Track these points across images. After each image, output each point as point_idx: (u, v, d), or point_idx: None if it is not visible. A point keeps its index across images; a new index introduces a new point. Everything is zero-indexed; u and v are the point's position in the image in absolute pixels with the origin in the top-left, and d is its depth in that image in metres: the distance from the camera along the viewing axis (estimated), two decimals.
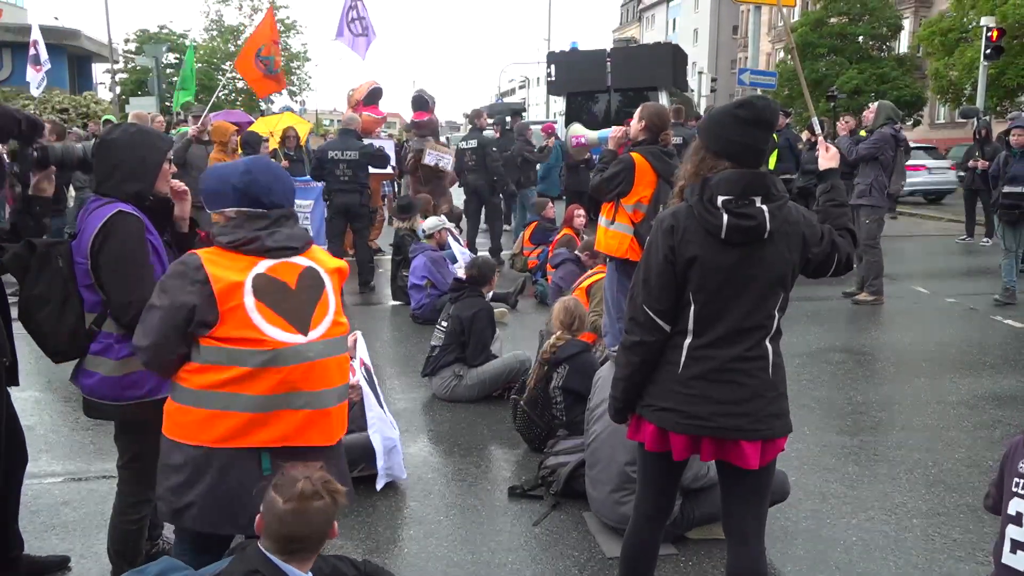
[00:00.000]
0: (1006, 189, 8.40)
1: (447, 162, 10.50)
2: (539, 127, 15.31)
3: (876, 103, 8.97)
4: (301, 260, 2.58)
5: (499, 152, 10.92)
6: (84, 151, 3.25)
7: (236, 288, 2.44)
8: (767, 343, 2.47)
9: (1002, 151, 9.08)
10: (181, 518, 2.49)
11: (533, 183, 12.30)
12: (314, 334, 2.50)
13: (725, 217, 2.40)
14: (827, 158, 2.89)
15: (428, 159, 10.02)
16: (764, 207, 2.41)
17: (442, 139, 12.58)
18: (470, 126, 11.51)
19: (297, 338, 2.47)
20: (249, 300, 2.44)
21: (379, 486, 4.14)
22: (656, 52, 17.25)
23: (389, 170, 10.61)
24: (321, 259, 2.65)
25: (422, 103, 10.65)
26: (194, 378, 2.45)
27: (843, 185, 2.86)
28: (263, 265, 2.50)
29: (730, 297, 2.44)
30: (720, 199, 2.42)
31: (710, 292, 2.45)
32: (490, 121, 14.06)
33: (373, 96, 11.09)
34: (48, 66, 18.13)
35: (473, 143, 10.94)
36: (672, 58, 16.56)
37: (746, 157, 2.48)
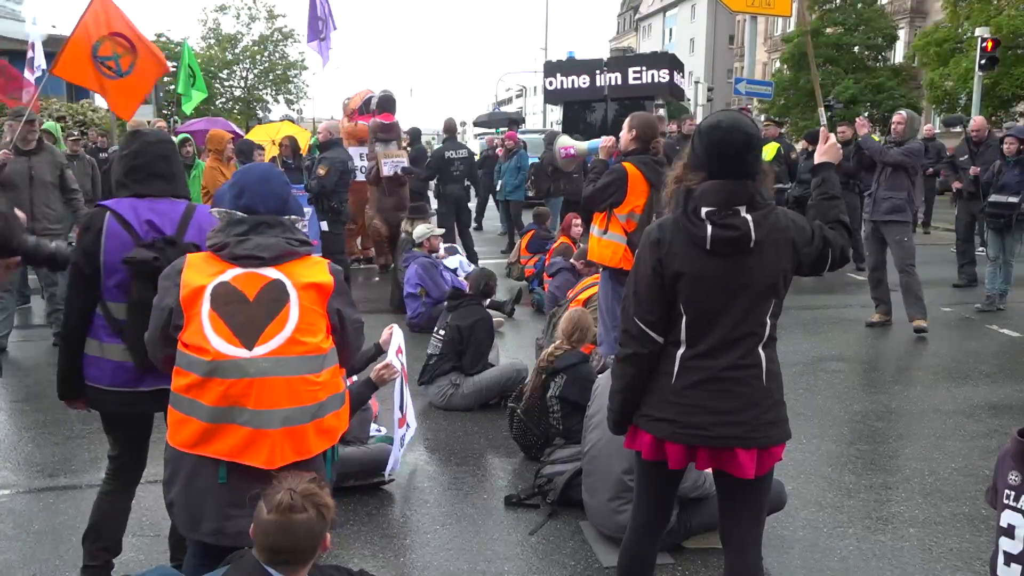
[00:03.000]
0: (993, 198, 8.41)
1: (402, 164, 10.28)
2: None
3: (905, 111, 8.03)
4: (269, 272, 2.50)
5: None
6: (56, 249, 3.38)
7: (198, 294, 2.45)
8: (760, 350, 2.47)
9: (996, 159, 9.02)
10: (171, 513, 2.59)
11: (562, 192, 12.35)
12: (260, 350, 2.42)
13: (709, 228, 2.40)
14: (823, 151, 2.84)
15: (386, 170, 9.80)
16: (748, 216, 2.41)
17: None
18: (447, 136, 11.52)
19: (239, 351, 2.41)
20: (205, 307, 2.44)
21: (387, 473, 4.25)
22: (653, 62, 17.34)
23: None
24: (296, 272, 2.54)
25: (390, 104, 10.30)
26: (174, 379, 2.49)
27: (837, 178, 2.81)
28: (230, 273, 2.48)
29: (720, 307, 2.44)
30: (704, 210, 2.42)
31: (700, 303, 2.45)
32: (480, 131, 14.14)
33: (369, 105, 11.09)
34: (39, 73, 18.04)
35: (464, 153, 10.93)
36: (668, 68, 16.65)
37: (727, 171, 2.46)
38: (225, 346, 2.41)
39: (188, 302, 2.46)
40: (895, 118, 7.90)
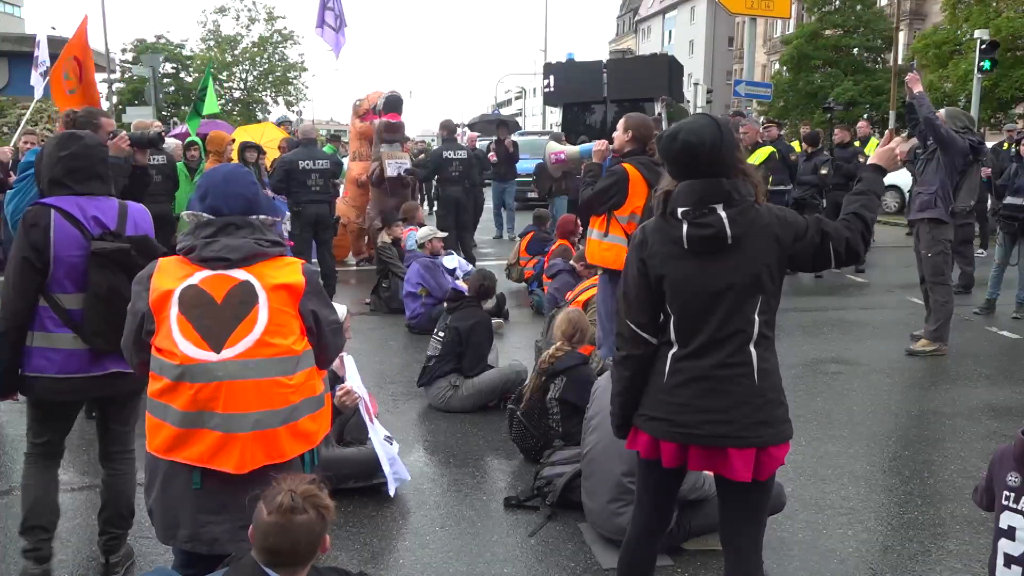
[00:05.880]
0: (1007, 200, 8.30)
1: (406, 166, 10.28)
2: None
3: (944, 109, 7.22)
4: (238, 273, 2.48)
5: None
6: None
7: (167, 298, 2.45)
8: (750, 348, 2.46)
9: (1012, 163, 8.89)
10: (152, 520, 2.58)
11: (564, 191, 12.39)
12: (228, 352, 2.40)
13: (685, 227, 2.44)
14: (878, 152, 2.77)
15: (390, 171, 9.78)
16: (723, 214, 2.42)
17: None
18: (447, 136, 11.52)
19: (207, 355, 2.39)
20: (174, 311, 2.43)
21: (392, 492, 4.14)
22: (652, 63, 17.38)
23: None
24: (265, 273, 2.51)
25: (398, 104, 10.29)
26: (149, 384, 2.49)
27: (878, 179, 2.72)
28: (198, 276, 2.47)
29: (705, 306, 2.45)
30: (680, 210, 2.46)
31: (684, 302, 2.48)
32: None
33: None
34: (45, 67, 18.01)
35: (463, 154, 10.90)
36: (668, 69, 16.71)
37: (694, 174, 2.48)
38: (193, 350, 2.39)
39: (158, 306, 2.45)
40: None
